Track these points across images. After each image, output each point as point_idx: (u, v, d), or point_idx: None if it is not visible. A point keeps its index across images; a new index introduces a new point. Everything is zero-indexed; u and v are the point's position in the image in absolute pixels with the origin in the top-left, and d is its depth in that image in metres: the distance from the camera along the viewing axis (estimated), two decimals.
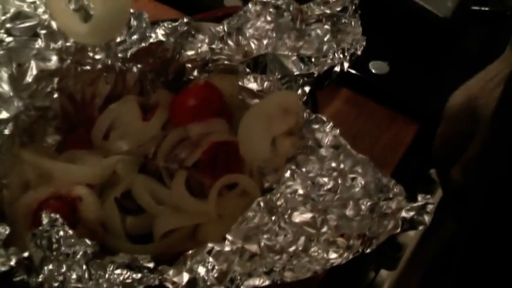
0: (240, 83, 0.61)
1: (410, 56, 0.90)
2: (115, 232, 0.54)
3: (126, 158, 0.60)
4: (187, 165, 0.58)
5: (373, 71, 0.86)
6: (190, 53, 0.65)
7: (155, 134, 0.62)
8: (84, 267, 0.46)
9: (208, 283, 0.43)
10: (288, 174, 0.51)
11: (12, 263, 0.43)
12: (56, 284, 0.45)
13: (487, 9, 0.96)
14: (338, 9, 0.65)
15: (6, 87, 0.56)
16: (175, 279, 0.43)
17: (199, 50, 0.65)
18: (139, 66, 0.64)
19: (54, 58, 0.59)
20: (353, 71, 0.85)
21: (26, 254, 0.44)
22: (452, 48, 0.93)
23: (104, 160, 0.59)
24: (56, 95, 0.61)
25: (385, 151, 0.78)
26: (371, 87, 0.86)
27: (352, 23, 0.64)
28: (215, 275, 0.44)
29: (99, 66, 0.62)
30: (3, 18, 0.56)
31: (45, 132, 0.61)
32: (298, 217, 0.48)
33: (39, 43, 0.58)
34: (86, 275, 0.45)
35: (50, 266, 0.45)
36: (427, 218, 0.45)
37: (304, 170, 0.51)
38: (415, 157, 0.85)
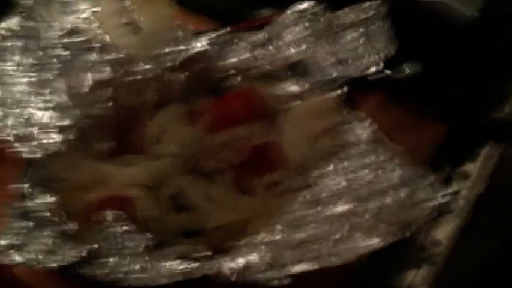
0: (282, 86, 0.65)
1: (442, 57, 0.93)
2: (170, 228, 0.58)
3: (176, 160, 0.64)
4: (234, 165, 0.62)
5: (407, 71, 0.89)
6: (233, 60, 0.69)
7: (201, 138, 0.66)
8: (147, 258, 0.50)
9: (262, 268, 0.47)
10: (330, 167, 0.54)
11: (84, 253, 0.47)
12: (120, 275, 0.49)
13: None
14: (370, 13, 0.68)
15: (65, 97, 0.60)
16: (232, 265, 0.47)
17: (241, 57, 0.69)
18: (185, 74, 0.67)
19: (108, 69, 0.63)
20: (387, 72, 0.88)
21: (96, 246, 0.48)
22: (483, 49, 0.96)
23: (156, 163, 0.63)
24: (109, 104, 0.65)
25: (419, 150, 0.81)
26: (404, 88, 0.89)
27: (385, 26, 0.67)
28: (268, 261, 0.48)
29: (149, 75, 0.66)
30: (60, 33, 0.61)
31: (100, 139, 0.65)
32: (341, 207, 0.52)
33: (94, 56, 0.62)
34: (149, 266, 0.49)
35: (115, 258, 0.50)
36: (461, 203, 0.48)
37: (345, 163, 0.55)
38: (448, 155, 0.88)
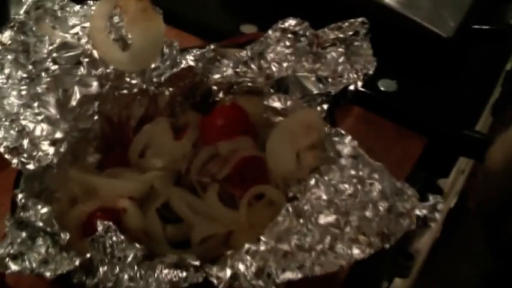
0: (264, 103, 0.67)
1: (417, 74, 0.96)
2: (157, 239, 0.60)
3: (162, 174, 0.65)
4: (219, 179, 0.64)
5: (382, 89, 0.92)
6: (216, 76, 0.71)
7: (187, 152, 0.68)
8: (136, 268, 0.51)
9: (248, 277, 0.49)
10: (312, 182, 0.56)
11: (77, 263, 0.49)
12: (110, 284, 0.51)
13: (487, 27, 1.02)
14: (350, 33, 0.70)
15: (53, 110, 0.62)
16: (219, 275, 0.49)
17: (224, 74, 0.71)
18: (170, 89, 0.69)
19: (95, 84, 0.65)
20: (363, 90, 0.91)
21: (88, 255, 0.49)
22: (457, 66, 0.99)
23: (143, 176, 0.64)
24: (96, 118, 0.66)
25: (396, 164, 0.84)
26: (380, 105, 0.92)
27: (364, 45, 0.70)
28: (254, 271, 0.50)
29: (135, 90, 0.68)
30: (50, 48, 0.62)
31: (86, 152, 0.67)
32: (324, 219, 0.54)
33: (82, 70, 0.64)
34: (137, 275, 0.51)
35: (105, 268, 0.51)
36: (437, 215, 0.51)
37: (326, 178, 0.57)
38: (424, 170, 0.91)
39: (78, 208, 0.59)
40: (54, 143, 0.58)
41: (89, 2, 0.65)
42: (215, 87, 0.72)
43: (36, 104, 0.60)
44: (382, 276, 1.14)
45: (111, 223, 0.52)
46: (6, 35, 0.60)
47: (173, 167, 0.67)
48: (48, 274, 0.48)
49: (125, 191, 0.62)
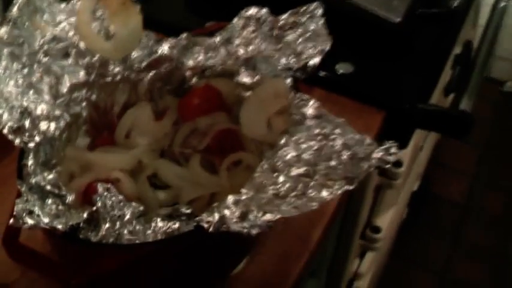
0: (235, 80, 0.75)
1: (371, 57, 1.05)
2: (150, 203, 0.67)
3: (148, 149, 0.73)
4: (199, 149, 0.72)
5: (341, 71, 1.01)
6: (190, 62, 0.78)
7: (167, 131, 0.76)
8: (134, 222, 0.59)
9: (234, 220, 0.57)
10: (283, 141, 0.64)
11: (85, 215, 0.56)
12: (112, 239, 0.58)
13: (433, 11, 1.11)
14: (307, 16, 0.78)
15: (47, 97, 0.69)
16: (209, 219, 0.56)
17: (197, 59, 0.78)
18: (150, 75, 0.77)
19: (82, 72, 0.72)
20: (324, 73, 0.99)
21: (94, 208, 0.56)
22: (408, 47, 1.08)
23: (131, 151, 0.72)
24: (84, 104, 0.73)
25: None
26: (340, 86, 1.00)
27: (319, 26, 0.77)
28: (238, 215, 0.57)
29: (118, 77, 0.75)
30: (41, 41, 0.69)
31: (77, 135, 0.74)
32: (295, 171, 0.62)
33: (70, 60, 0.71)
34: (136, 229, 0.58)
35: (107, 225, 0.58)
36: (392, 157, 0.59)
37: (294, 138, 0.65)
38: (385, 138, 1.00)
39: (77, 180, 0.66)
40: (54, 118, 0.65)
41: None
42: (189, 73, 0.79)
43: (31, 92, 0.67)
44: (351, 252, 1.22)
45: (110, 185, 0.59)
46: (3, 31, 0.67)
47: (156, 144, 0.75)
48: (60, 227, 0.55)
49: (117, 164, 0.69)
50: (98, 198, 0.58)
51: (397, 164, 1.12)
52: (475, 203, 2.20)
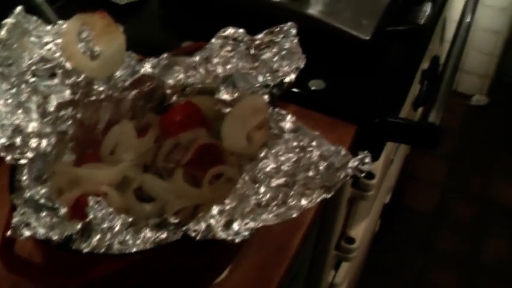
0: (215, 96, 0.79)
1: (342, 73, 1.09)
2: (137, 215, 0.70)
3: (132, 164, 0.76)
4: (182, 164, 0.75)
5: (313, 88, 1.05)
6: (170, 81, 0.82)
7: (150, 147, 0.79)
8: (124, 233, 0.62)
9: (220, 229, 0.60)
10: (262, 154, 0.68)
11: (79, 226, 0.59)
12: (103, 250, 0.61)
13: (401, 28, 1.16)
14: (281, 36, 0.82)
15: (34, 115, 0.71)
16: (196, 228, 0.60)
17: (177, 78, 0.82)
18: (132, 93, 0.80)
19: (68, 92, 0.75)
20: (297, 90, 1.03)
21: (87, 219, 0.59)
22: (377, 64, 1.13)
23: (117, 166, 0.75)
24: (70, 122, 0.76)
25: None
26: (312, 102, 1.04)
27: (294, 45, 0.81)
28: (223, 224, 0.61)
29: (102, 96, 0.78)
30: (29, 62, 0.72)
31: (63, 152, 0.77)
32: (275, 182, 0.65)
33: (56, 80, 0.74)
34: (126, 239, 0.61)
35: (98, 236, 0.61)
36: (366, 167, 0.63)
37: (274, 151, 0.69)
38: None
39: (66, 195, 0.69)
40: (45, 136, 0.68)
41: (59, 22, 0.75)
42: (169, 91, 0.83)
43: (20, 111, 0.70)
44: (326, 265, 1.26)
45: (100, 198, 0.62)
46: None
47: (140, 160, 0.78)
48: (55, 238, 0.58)
49: (104, 178, 0.72)
50: (90, 211, 0.61)
51: (370, 175, 1.17)
52: (445, 212, 2.26)
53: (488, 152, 2.48)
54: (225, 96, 0.79)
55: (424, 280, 2.05)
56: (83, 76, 0.76)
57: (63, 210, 0.61)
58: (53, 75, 0.74)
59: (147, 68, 0.80)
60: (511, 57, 2.63)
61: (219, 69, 0.81)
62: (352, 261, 1.35)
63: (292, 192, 0.64)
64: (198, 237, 0.59)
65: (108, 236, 0.61)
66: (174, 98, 0.83)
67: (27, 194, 0.62)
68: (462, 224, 2.21)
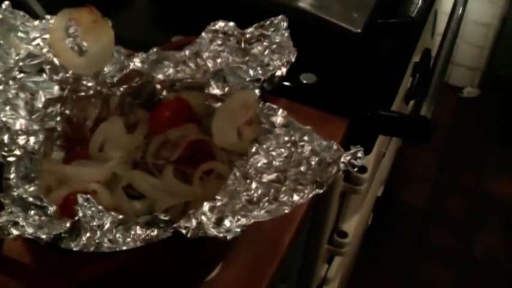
0: (206, 91, 0.78)
1: (333, 66, 1.08)
2: (127, 212, 0.69)
3: (121, 162, 0.75)
4: (172, 160, 0.74)
5: (304, 81, 1.04)
6: (160, 76, 0.80)
7: (139, 144, 0.78)
8: (114, 231, 0.61)
9: (211, 226, 0.59)
10: (253, 150, 0.67)
11: (68, 225, 0.58)
12: (92, 248, 0.60)
13: (392, 20, 1.15)
14: (272, 29, 0.81)
15: (22, 112, 0.70)
16: (187, 225, 0.59)
17: (166, 73, 0.81)
18: (121, 89, 0.79)
19: (56, 88, 0.74)
20: (287, 84, 1.02)
21: (76, 218, 0.58)
22: (369, 57, 1.12)
23: (106, 164, 0.74)
24: (58, 119, 0.75)
25: None
26: (304, 95, 1.04)
27: (284, 38, 0.81)
28: (214, 221, 0.60)
29: (91, 92, 0.77)
30: (16, 58, 0.71)
31: (52, 150, 0.76)
32: (266, 178, 0.65)
33: (45, 76, 0.73)
34: (116, 237, 0.61)
35: (87, 234, 0.60)
36: (359, 161, 0.62)
37: (265, 146, 0.68)
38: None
39: (54, 193, 0.68)
40: (33, 133, 0.67)
41: (46, 17, 0.74)
42: (159, 86, 0.82)
43: (8, 108, 0.69)
44: (319, 258, 1.25)
45: (89, 196, 0.61)
46: None
47: (129, 157, 0.77)
48: (44, 237, 0.57)
49: (93, 176, 0.71)
50: (79, 209, 0.60)
51: (362, 169, 1.16)
52: (437, 206, 2.26)
53: (479, 144, 2.48)
54: (215, 91, 0.78)
55: (416, 275, 2.05)
56: (71, 72, 0.75)
57: (52, 209, 0.60)
58: (40, 71, 0.73)
59: (136, 63, 0.79)
60: (501, 50, 2.62)
61: (209, 64, 0.80)
62: (345, 256, 1.35)
63: (283, 188, 0.63)
64: (189, 235, 0.58)
65: (98, 234, 0.60)
66: (164, 93, 0.82)
67: (15, 193, 0.61)
68: (454, 218, 2.21)
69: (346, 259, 1.45)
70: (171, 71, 0.81)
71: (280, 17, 0.81)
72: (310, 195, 0.62)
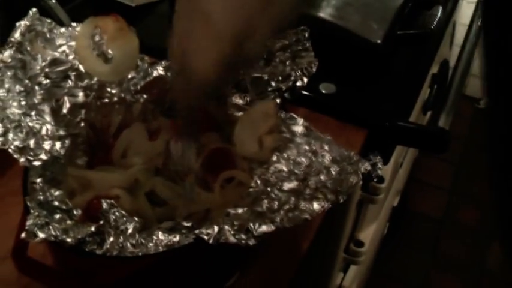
0: (228, 100, 0.79)
1: (353, 77, 1.09)
2: (148, 218, 0.70)
3: (144, 168, 0.76)
4: (194, 168, 0.75)
5: (323, 91, 1.05)
6: None
7: (161, 151, 0.79)
8: (137, 236, 0.62)
9: (232, 232, 0.60)
10: (274, 158, 0.68)
11: (92, 229, 0.59)
12: (115, 252, 0.61)
13: (412, 32, 1.16)
14: (294, 39, 0.82)
15: (48, 118, 0.72)
16: (208, 231, 0.60)
17: None
18: (144, 96, 0.80)
19: (81, 94, 0.76)
20: (307, 93, 1.03)
21: (101, 222, 0.60)
22: (388, 67, 1.13)
23: (129, 170, 0.75)
24: (82, 124, 0.77)
25: None
26: (323, 105, 1.04)
27: (306, 49, 0.82)
28: (236, 228, 0.61)
29: (115, 99, 0.79)
30: (42, 64, 0.73)
31: (76, 155, 0.77)
32: (287, 186, 0.66)
33: (70, 83, 0.75)
34: (139, 242, 0.62)
35: (111, 239, 0.61)
36: (379, 171, 0.63)
37: (285, 155, 0.69)
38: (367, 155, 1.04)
39: (78, 198, 0.69)
40: (59, 138, 0.68)
41: (72, 24, 0.76)
42: None
43: (33, 113, 0.70)
44: (335, 266, 1.26)
45: (113, 201, 0.62)
46: (6, 55, 0.70)
47: (151, 163, 0.78)
48: (69, 240, 0.58)
49: (116, 182, 0.72)
50: (103, 214, 0.61)
51: (379, 179, 1.17)
52: (452, 217, 2.25)
53: None
54: (237, 100, 0.79)
55: (429, 285, 2.05)
56: (95, 79, 0.76)
57: (77, 213, 0.62)
58: (66, 77, 0.75)
59: (159, 70, 0.81)
60: None
61: None
62: (361, 265, 1.35)
63: (304, 197, 0.64)
64: (210, 241, 0.59)
65: (121, 238, 0.61)
66: None
67: (41, 196, 0.62)
68: (468, 229, 2.21)
69: (362, 268, 1.46)
70: None
71: (301, 28, 0.82)
72: (330, 205, 0.62)
